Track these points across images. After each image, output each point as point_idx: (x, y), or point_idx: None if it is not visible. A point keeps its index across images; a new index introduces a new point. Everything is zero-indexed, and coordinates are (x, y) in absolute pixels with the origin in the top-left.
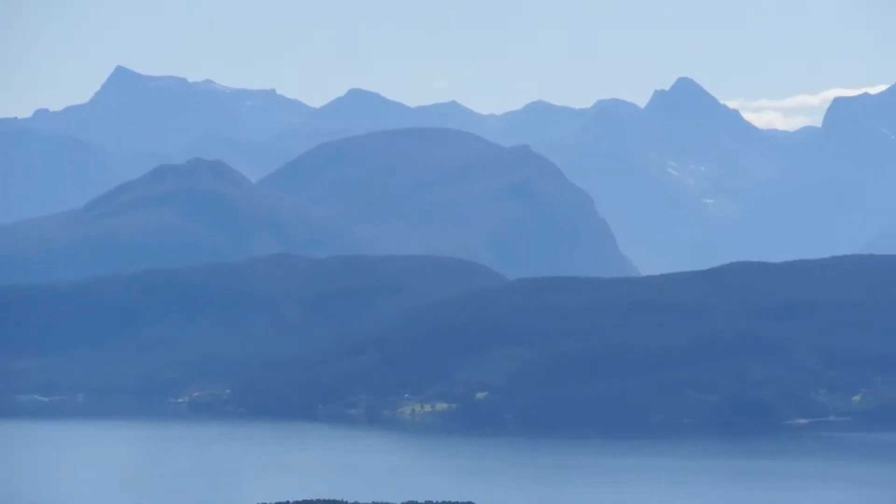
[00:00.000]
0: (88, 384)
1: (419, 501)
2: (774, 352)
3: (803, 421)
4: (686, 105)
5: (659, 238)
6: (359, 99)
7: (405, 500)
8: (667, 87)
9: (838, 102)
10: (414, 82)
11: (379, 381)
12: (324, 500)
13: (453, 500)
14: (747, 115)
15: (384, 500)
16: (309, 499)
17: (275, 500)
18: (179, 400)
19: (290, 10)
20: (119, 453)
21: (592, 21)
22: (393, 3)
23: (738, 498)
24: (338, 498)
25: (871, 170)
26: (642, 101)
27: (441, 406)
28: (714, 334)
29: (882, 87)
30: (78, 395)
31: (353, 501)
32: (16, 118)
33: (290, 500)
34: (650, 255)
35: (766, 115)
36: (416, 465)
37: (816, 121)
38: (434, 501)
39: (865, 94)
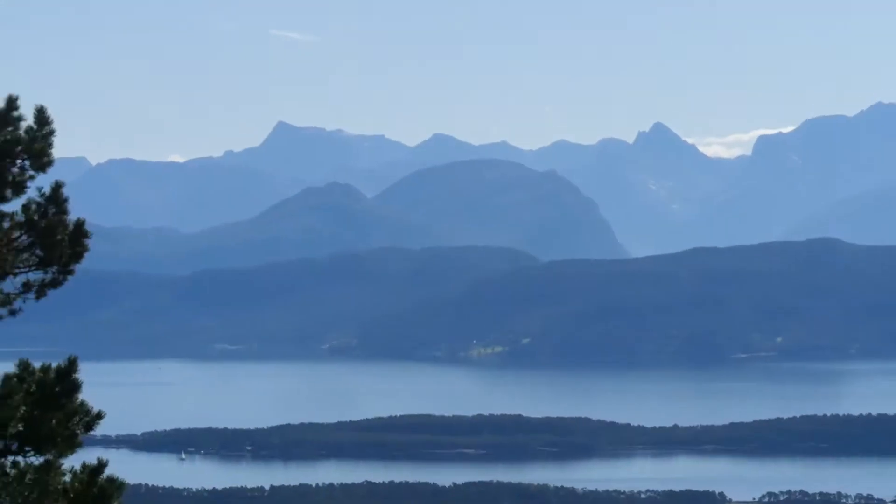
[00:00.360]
0: (260, 336)
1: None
2: (722, 307)
3: (743, 355)
4: (660, 141)
5: (643, 232)
6: (440, 140)
7: (475, 413)
8: (647, 129)
9: (762, 139)
10: (477, 126)
11: (455, 332)
12: (418, 415)
13: (503, 412)
14: (701, 148)
15: (461, 414)
16: (409, 413)
17: (387, 414)
18: (323, 346)
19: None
20: (283, 383)
21: (594, 79)
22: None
23: (700, 406)
24: (428, 413)
25: (784, 185)
26: (630, 138)
27: (497, 349)
28: (680, 296)
29: (791, 128)
30: (254, 343)
31: (439, 415)
32: (210, 157)
33: (396, 414)
34: (638, 244)
35: (713, 147)
36: (481, 389)
37: (747, 151)
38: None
39: (780, 133)
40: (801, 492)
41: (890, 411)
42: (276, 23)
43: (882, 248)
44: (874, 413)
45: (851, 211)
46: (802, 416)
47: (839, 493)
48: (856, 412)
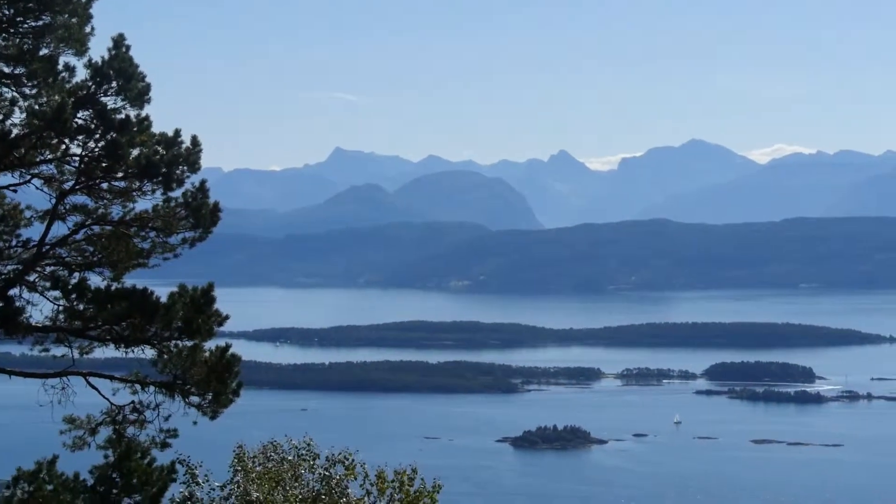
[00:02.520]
0: (324, 273)
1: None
2: (600, 259)
3: (612, 287)
4: (564, 159)
5: (553, 214)
6: (433, 158)
7: (451, 319)
8: (556, 152)
9: (623, 159)
10: (454, 149)
11: (441, 272)
12: (417, 321)
13: (469, 319)
14: (587, 164)
15: (443, 320)
16: (412, 319)
17: (399, 320)
18: (360, 280)
19: (401, 118)
20: (336, 301)
21: (522, 115)
22: (442, 113)
23: (586, 316)
24: (423, 319)
25: (635, 186)
26: (546, 158)
27: (466, 283)
28: (575, 252)
29: (641, 153)
30: (320, 278)
31: (430, 320)
32: (295, 167)
33: (405, 320)
34: (550, 222)
35: (594, 164)
36: (455, 306)
37: (615, 167)
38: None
39: (634, 156)
40: (646, 368)
41: (699, 320)
42: (337, 87)
43: (695, 225)
44: (690, 321)
45: (677, 203)
46: (648, 323)
47: (669, 369)
48: (680, 320)
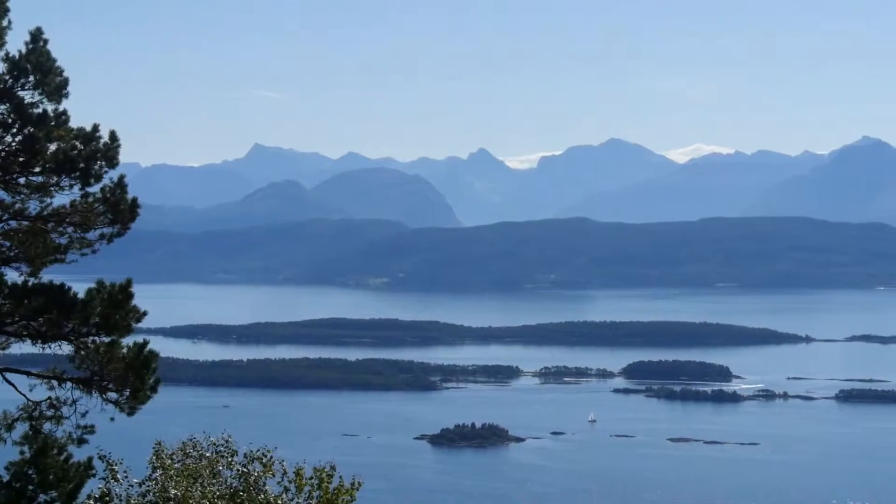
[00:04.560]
0: (242, 270)
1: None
2: (518, 257)
3: (530, 286)
4: (483, 158)
5: (472, 212)
6: (353, 155)
7: (370, 317)
8: (475, 150)
9: (542, 158)
10: (373, 146)
11: (359, 269)
12: (336, 318)
13: (387, 316)
14: (507, 162)
15: (361, 317)
16: (331, 316)
17: (317, 317)
18: (279, 277)
19: (320, 113)
20: (255, 297)
21: (443, 114)
22: (362, 111)
23: (505, 314)
24: (342, 316)
25: (555, 185)
26: (465, 156)
27: (384, 280)
28: (494, 249)
29: (559, 151)
30: (238, 274)
31: (349, 318)
32: (213, 163)
33: (324, 317)
34: (469, 219)
35: (513, 162)
36: (374, 303)
37: (534, 165)
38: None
39: (553, 154)
40: (564, 366)
41: (617, 319)
42: (257, 83)
43: (614, 224)
44: (608, 320)
45: (595, 202)
46: (566, 321)
47: (586, 368)
48: (598, 319)
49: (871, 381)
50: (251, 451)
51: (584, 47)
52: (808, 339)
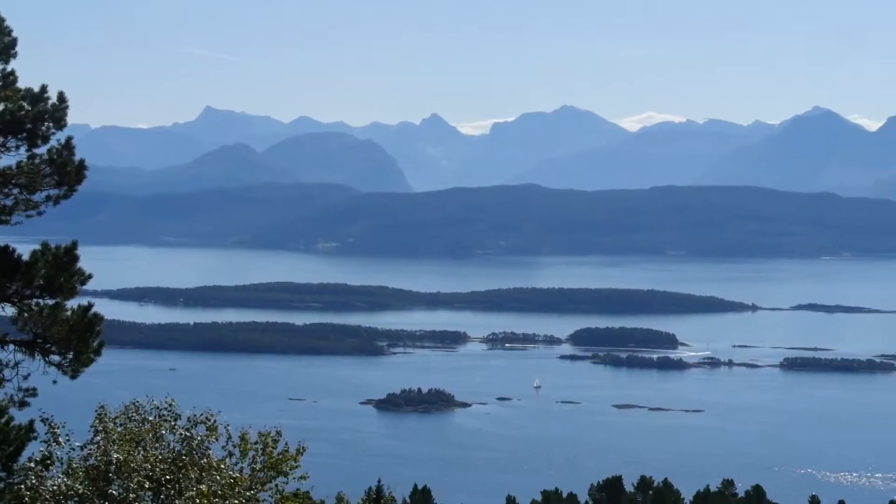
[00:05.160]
0: (192, 233)
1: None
2: (469, 222)
3: (481, 252)
4: (436, 123)
5: (424, 177)
6: (304, 119)
7: (319, 282)
8: (427, 116)
9: (495, 124)
10: (327, 109)
11: (309, 233)
12: (285, 282)
13: (336, 281)
14: (459, 128)
15: (310, 282)
16: (279, 280)
17: (266, 280)
18: (230, 240)
19: (272, 75)
20: (204, 261)
21: (396, 79)
22: (316, 73)
23: (454, 280)
24: (290, 280)
25: (507, 152)
26: (418, 121)
27: (334, 244)
28: (445, 215)
29: (513, 118)
30: (188, 238)
31: (297, 282)
32: (164, 126)
33: (273, 281)
34: (420, 185)
35: (466, 128)
36: (323, 267)
37: (486, 131)
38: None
39: (506, 121)
40: (512, 332)
41: (566, 286)
42: (208, 45)
43: (565, 192)
44: (557, 287)
45: (548, 168)
46: (515, 288)
47: (534, 334)
48: (547, 286)
49: (815, 349)
50: (195, 415)
51: (538, 13)
52: (754, 308)
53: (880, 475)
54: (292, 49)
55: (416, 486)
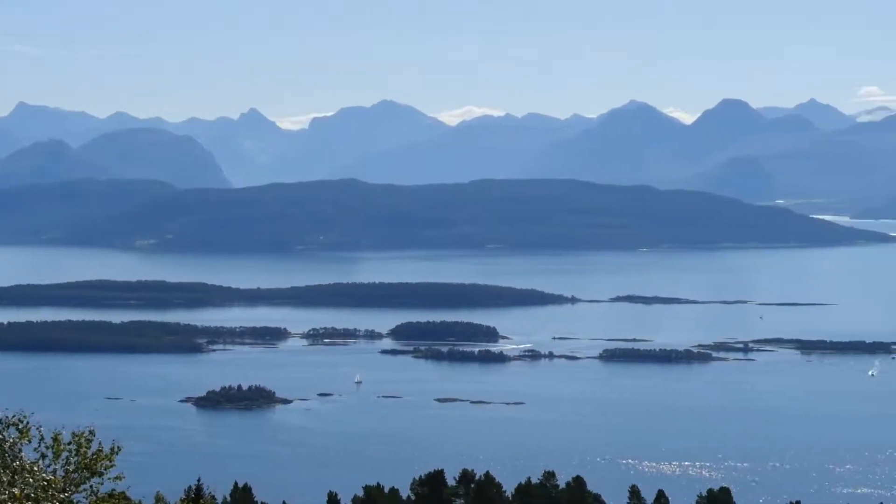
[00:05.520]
0: (2, 230)
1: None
2: (289, 218)
3: (301, 247)
4: (254, 119)
5: (243, 172)
6: (121, 115)
7: (136, 279)
8: (246, 111)
9: (314, 119)
10: (143, 105)
11: (126, 231)
12: (100, 280)
13: (154, 278)
14: (278, 123)
15: (127, 279)
16: (96, 278)
17: (83, 279)
18: (43, 237)
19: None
20: (17, 259)
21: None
22: (132, 68)
23: (274, 276)
24: (106, 278)
25: (327, 147)
26: (236, 116)
27: (152, 241)
28: (265, 211)
29: (332, 112)
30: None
31: (113, 279)
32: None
33: (90, 279)
34: (239, 180)
35: (284, 123)
36: (141, 265)
37: (305, 126)
38: None
39: (325, 115)
40: (333, 328)
41: (387, 280)
42: (19, 39)
43: (385, 186)
44: (378, 281)
45: (367, 163)
46: (336, 283)
47: (355, 329)
48: (368, 280)
49: (633, 340)
50: (6, 417)
51: (355, 6)
52: (573, 300)
53: (699, 463)
54: (107, 44)
55: (236, 483)
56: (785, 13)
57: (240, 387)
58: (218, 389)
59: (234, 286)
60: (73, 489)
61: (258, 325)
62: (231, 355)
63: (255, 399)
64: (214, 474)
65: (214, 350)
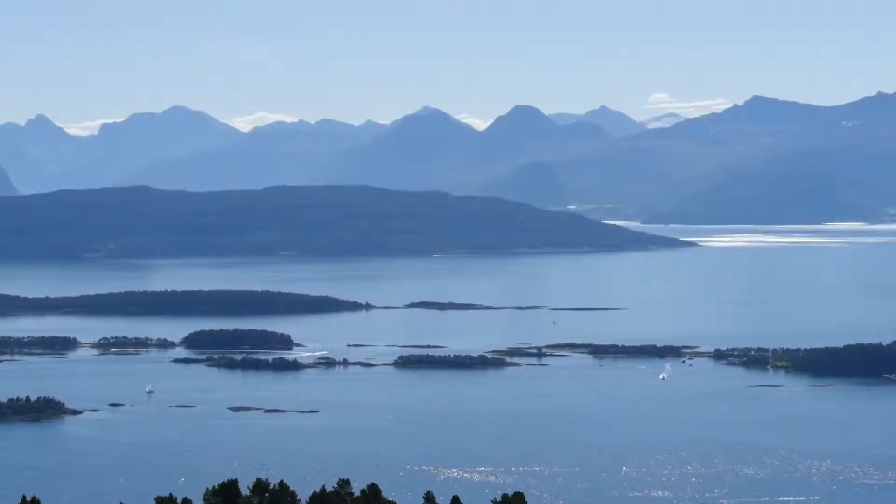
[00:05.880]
0: None
1: None
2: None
3: (91, 255)
4: (41, 126)
5: (31, 178)
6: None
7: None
8: (25, 120)
9: (105, 126)
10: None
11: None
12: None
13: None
14: (73, 131)
15: None
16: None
17: None
18: None
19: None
20: None
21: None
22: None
23: (59, 283)
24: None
25: (126, 152)
26: (23, 122)
27: None
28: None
29: (123, 118)
30: None
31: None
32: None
33: None
34: (25, 183)
35: (85, 129)
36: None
37: (102, 132)
38: None
39: (119, 122)
40: (124, 337)
41: (179, 288)
42: None
43: (177, 193)
44: (170, 289)
45: (159, 170)
46: (127, 291)
47: (147, 338)
48: (160, 288)
49: (428, 346)
50: None
51: (143, 8)
52: (368, 307)
53: (492, 468)
54: None
55: (24, 497)
56: (573, 21)
57: (27, 398)
58: (5, 401)
59: (21, 295)
60: None
61: (47, 334)
62: (18, 366)
63: (44, 410)
64: (2, 488)
65: (1, 361)
